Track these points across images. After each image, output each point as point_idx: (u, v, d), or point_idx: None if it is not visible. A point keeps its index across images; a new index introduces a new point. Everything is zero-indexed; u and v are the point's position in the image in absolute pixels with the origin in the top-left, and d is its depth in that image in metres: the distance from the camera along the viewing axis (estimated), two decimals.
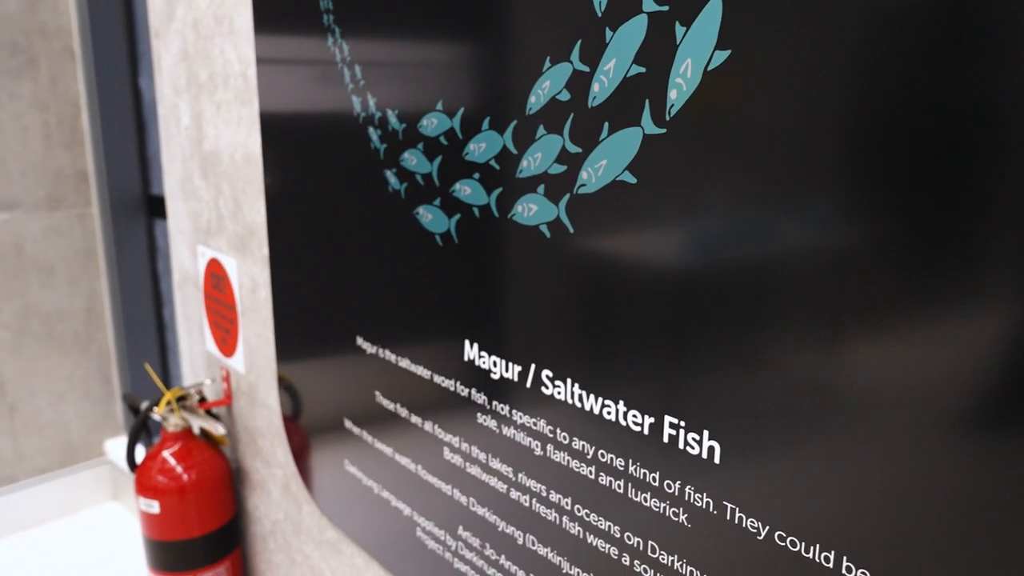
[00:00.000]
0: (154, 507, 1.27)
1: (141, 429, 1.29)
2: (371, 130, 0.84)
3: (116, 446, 2.35)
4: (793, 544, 0.52)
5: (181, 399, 1.30)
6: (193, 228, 1.38)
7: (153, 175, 2.26)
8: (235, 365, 1.31)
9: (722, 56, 0.51)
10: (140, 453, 2.17)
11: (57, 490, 2.32)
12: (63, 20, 2.15)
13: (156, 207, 2.26)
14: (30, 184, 2.15)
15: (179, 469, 1.27)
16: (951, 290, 0.43)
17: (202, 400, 1.34)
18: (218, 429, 1.26)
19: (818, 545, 0.51)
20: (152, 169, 2.26)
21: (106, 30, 2.13)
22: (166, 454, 1.28)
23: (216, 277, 1.32)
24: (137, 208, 2.29)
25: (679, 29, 0.53)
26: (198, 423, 1.28)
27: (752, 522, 0.54)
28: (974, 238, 0.41)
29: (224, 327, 1.32)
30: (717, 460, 0.56)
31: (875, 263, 0.45)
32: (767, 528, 0.53)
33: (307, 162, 0.96)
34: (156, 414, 1.28)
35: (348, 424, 0.99)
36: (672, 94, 0.54)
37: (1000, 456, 0.42)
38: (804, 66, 0.47)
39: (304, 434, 1.10)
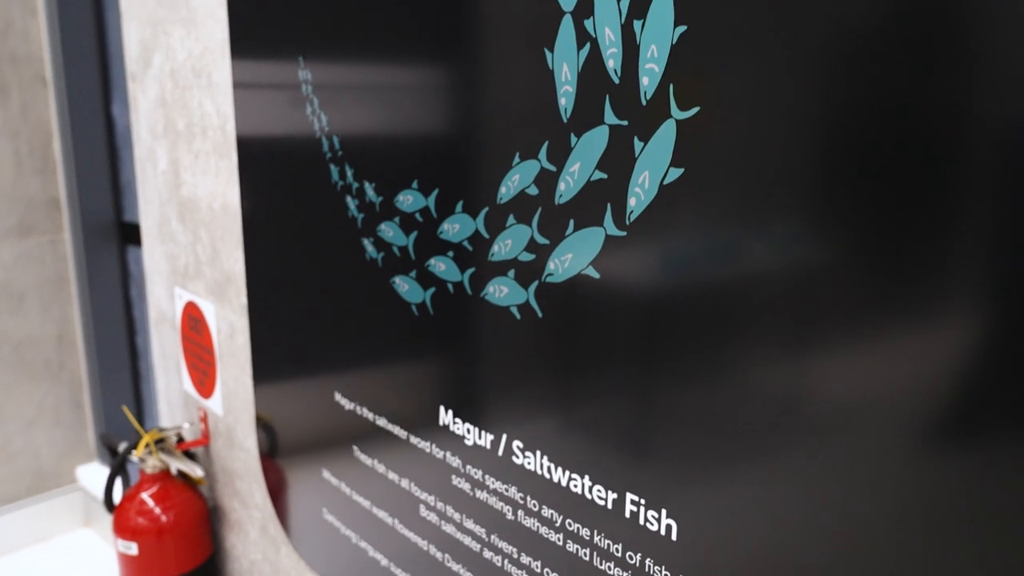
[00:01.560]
0: (132, 548, 1.28)
1: (119, 472, 1.31)
2: (348, 199, 0.88)
3: (87, 472, 2.35)
4: None
5: (159, 441, 1.32)
6: (170, 270, 1.40)
7: (126, 202, 2.26)
8: (213, 406, 1.33)
9: (676, 173, 0.55)
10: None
11: (28, 517, 2.31)
12: (34, 48, 2.14)
13: (129, 234, 2.26)
14: (0, 212, 2.14)
15: (157, 511, 1.29)
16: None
17: (180, 440, 1.36)
18: (196, 472, 1.28)
19: None
20: (125, 196, 2.26)
21: (78, 58, 2.13)
22: (144, 496, 1.30)
23: (193, 320, 1.34)
24: (109, 234, 2.28)
25: (637, 143, 0.57)
26: (176, 465, 1.30)
27: None
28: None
29: (202, 369, 1.34)
30: (674, 537, 0.60)
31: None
32: None
33: (286, 223, 1.00)
34: (135, 456, 1.30)
35: (326, 474, 1.02)
36: (631, 201, 0.59)
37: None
38: (755, 186, 0.51)
39: (282, 480, 1.13)
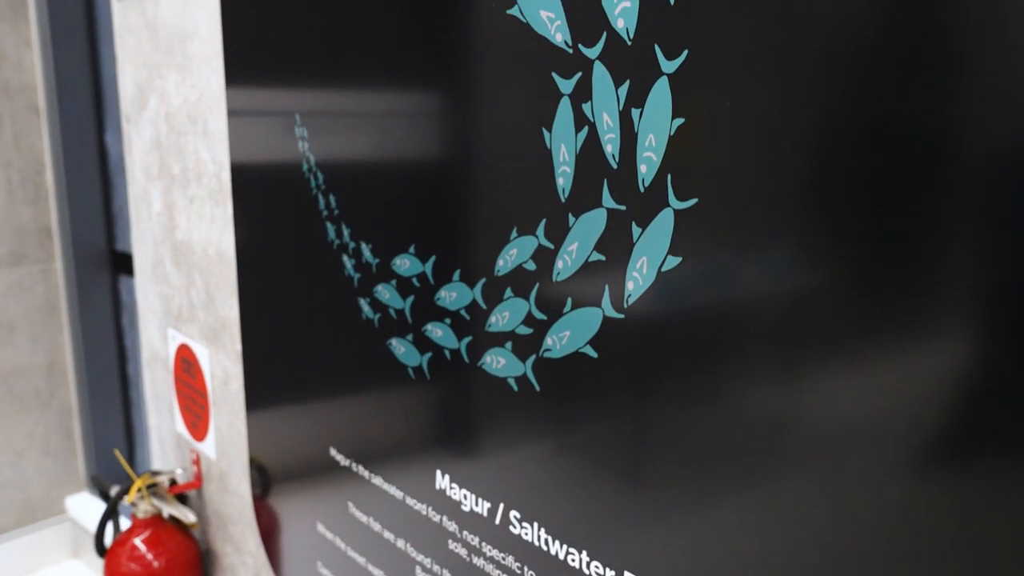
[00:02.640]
0: None
1: (110, 516, 1.29)
2: (345, 258, 0.88)
3: (77, 503, 2.32)
4: None
5: (151, 486, 1.31)
6: (164, 311, 1.40)
7: (118, 230, 2.25)
8: (206, 450, 1.32)
9: (674, 261, 0.56)
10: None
11: (16, 549, 2.28)
12: (27, 78, 2.14)
13: (121, 263, 2.25)
14: None
15: (149, 556, 1.28)
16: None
17: (173, 483, 1.35)
18: (189, 517, 1.27)
19: None
20: (117, 224, 2.25)
21: (72, 87, 2.13)
22: (136, 541, 1.29)
23: (187, 362, 1.33)
24: (101, 263, 2.27)
25: (635, 229, 0.58)
26: (168, 510, 1.29)
27: None
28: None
29: (195, 412, 1.34)
30: None
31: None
32: None
33: (282, 276, 0.99)
34: (127, 501, 1.29)
35: (321, 528, 1.02)
36: (630, 285, 0.59)
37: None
38: (754, 282, 0.52)
39: (277, 529, 1.13)
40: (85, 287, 2.24)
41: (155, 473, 1.33)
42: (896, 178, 0.44)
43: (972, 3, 0.40)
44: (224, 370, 1.22)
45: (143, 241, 1.44)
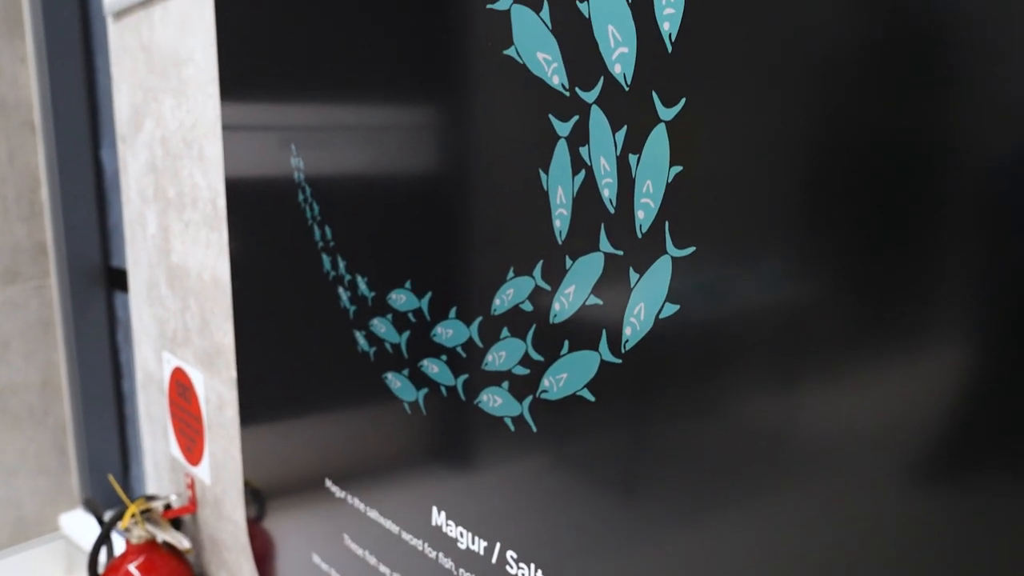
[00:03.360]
0: None
1: (104, 542, 1.28)
2: (340, 290, 0.87)
3: (71, 520, 2.31)
4: None
5: (145, 511, 1.30)
6: (159, 333, 1.39)
7: (114, 246, 2.24)
8: (201, 474, 1.31)
9: (672, 309, 0.55)
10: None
11: (10, 567, 2.26)
12: (23, 94, 2.13)
13: (116, 279, 2.24)
14: None
15: None
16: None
17: (167, 507, 1.34)
18: (183, 543, 1.26)
19: None
20: (113, 240, 2.24)
21: (67, 104, 2.13)
22: (130, 567, 1.28)
23: (181, 386, 1.32)
24: (96, 279, 2.27)
25: (633, 274, 0.57)
26: (162, 536, 1.28)
27: None
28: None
29: (190, 436, 1.33)
30: None
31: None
32: None
33: (277, 305, 0.99)
34: (121, 527, 1.28)
35: (316, 559, 1.01)
36: (627, 331, 0.58)
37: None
38: (748, 322, 0.51)
39: (272, 558, 1.12)
40: (80, 304, 2.23)
41: (149, 498, 1.32)
42: (902, 219, 0.44)
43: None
44: (219, 396, 1.22)
45: (138, 263, 1.43)
